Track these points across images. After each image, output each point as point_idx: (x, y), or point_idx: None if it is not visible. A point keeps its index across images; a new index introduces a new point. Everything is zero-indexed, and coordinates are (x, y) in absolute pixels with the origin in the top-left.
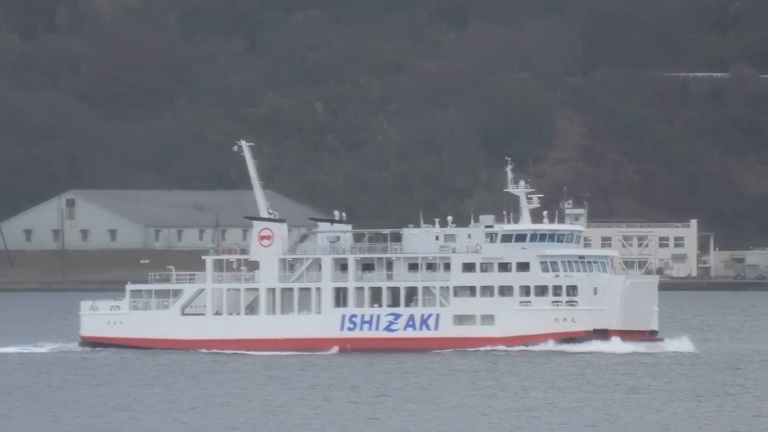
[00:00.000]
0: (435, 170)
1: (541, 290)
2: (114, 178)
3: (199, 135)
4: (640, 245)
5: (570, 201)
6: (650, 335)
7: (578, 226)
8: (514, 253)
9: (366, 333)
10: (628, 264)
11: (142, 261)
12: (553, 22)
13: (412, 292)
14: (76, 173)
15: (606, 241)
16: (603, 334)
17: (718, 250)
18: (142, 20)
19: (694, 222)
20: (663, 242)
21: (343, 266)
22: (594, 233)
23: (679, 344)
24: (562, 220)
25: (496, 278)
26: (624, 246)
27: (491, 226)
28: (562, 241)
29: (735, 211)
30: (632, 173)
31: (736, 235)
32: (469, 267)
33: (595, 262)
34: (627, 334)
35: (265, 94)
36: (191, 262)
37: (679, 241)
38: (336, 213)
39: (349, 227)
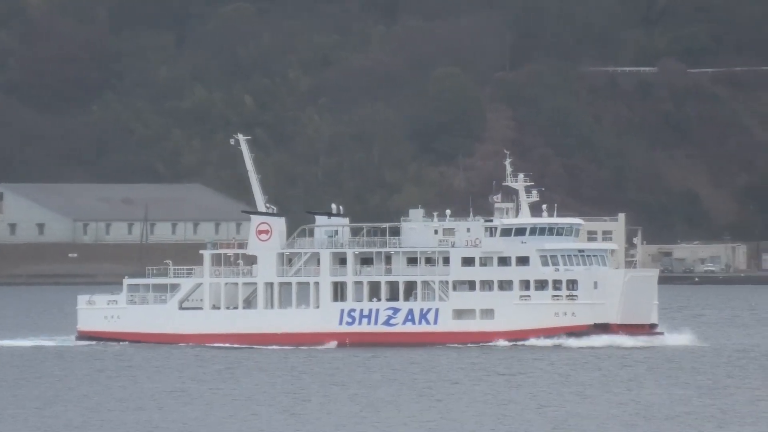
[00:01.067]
0: (364, 164)
1: (541, 284)
2: (43, 171)
3: (128, 129)
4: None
5: (499, 195)
6: (650, 329)
7: (577, 220)
8: (513, 247)
9: (365, 327)
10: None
11: (70, 255)
12: (483, 16)
13: (411, 287)
14: (4, 167)
15: None
16: (603, 328)
17: (645, 244)
18: (71, 14)
19: (621, 216)
20: (591, 236)
21: (341, 260)
22: None
23: (680, 338)
24: (491, 214)
25: (495, 272)
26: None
27: (491, 220)
28: (561, 235)
29: (662, 205)
30: (559, 167)
31: (664, 229)
32: (468, 261)
33: (594, 256)
34: (627, 328)
35: (193, 87)
36: (120, 256)
37: (606, 235)
38: (333, 206)
39: (346, 221)
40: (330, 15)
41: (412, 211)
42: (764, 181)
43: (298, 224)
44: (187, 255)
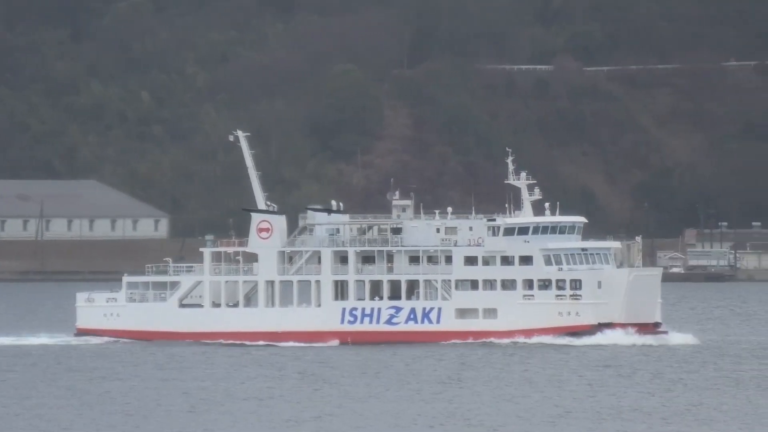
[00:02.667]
0: (262, 161)
1: (545, 284)
2: None
3: (23, 124)
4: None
5: (397, 192)
6: (654, 328)
7: (580, 218)
8: (516, 246)
9: (367, 326)
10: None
11: None
12: (380, 13)
13: (413, 285)
14: None
15: None
16: (607, 327)
17: None
18: None
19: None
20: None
21: (343, 259)
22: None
23: (684, 337)
24: (389, 211)
25: (498, 272)
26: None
27: (493, 219)
28: (564, 233)
29: (562, 202)
30: (457, 165)
31: None
32: (471, 260)
33: (597, 254)
34: (631, 327)
35: (90, 83)
36: (15, 252)
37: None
38: (333, 203)
39: (346, 217)
40: (227, 11)
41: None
42: (658, 179)
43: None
44: (83, 251)
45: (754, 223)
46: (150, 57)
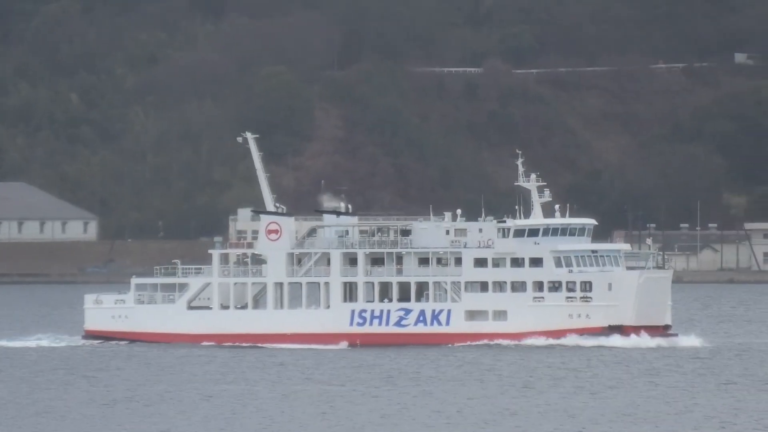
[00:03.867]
0: (192, 162)
1: (555, 286)
2: None
3: None
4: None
5: (328, 193)
6: (664, 330)
7: (590, 220)
8: (526, 248)
9: (376, 328)
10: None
11: None
12: (311, 15)
13: (422, 287)
14: None
15: None
16: (618, 329)
17: None
18: None
19: (448, 215)
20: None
21: (352, 260)
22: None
23: (694, 339)
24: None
25: (508, 273)
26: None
27: (503, 221)
28: (574, 235)
29: (489, 204)
30: (388, 167)
31: None
32: (480, 262)
33: (607, 256)
34: (642, 330)
35: (18, 84)
36: None
37: None
38: (342, 205)
39: (355, 219)
40: (156, 13)
41: (240, 210)
42: (587, 181)
43: None
44: (12, 254)
45: (682, 225)
46: (79, 58)
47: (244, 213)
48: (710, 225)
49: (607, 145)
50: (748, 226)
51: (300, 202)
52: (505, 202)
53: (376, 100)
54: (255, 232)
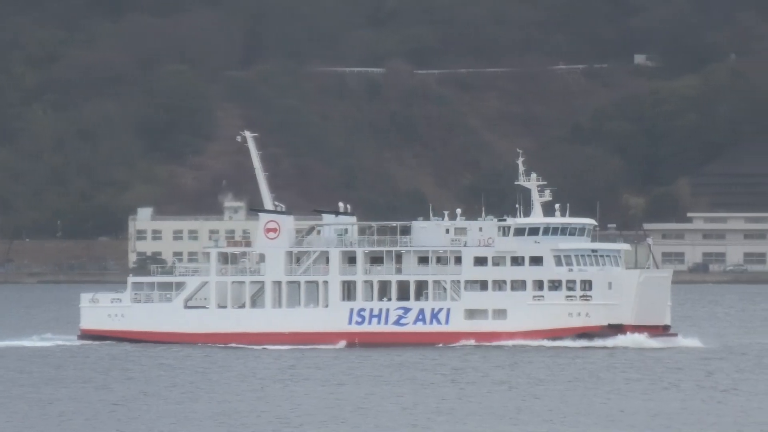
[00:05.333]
0: (91, 162)
1: (555, 285)
2: None
3: None
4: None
5: (230, 193)
6: (664, 330)
7: (590, 220)
8: (527, 246)
9: (375, 327)
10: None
11: None
12: (212, 14)
13: (421, 286)
14: None
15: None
16: (618, 329)
17: None
18: None
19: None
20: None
21: (351, 259)
22: (253, 226)
23: (693, 340)
24: (221, 212)
25: (508, 272)
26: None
27: (504, 220)
28: (574, 235)
29: (390, 205)
30: (290, 167)
31: None
32: (480, 261)
33: (607, 256)
34: (642, 330)
35: None
36: None
37: None
38: (341, 205)
39: (353, 219)
40: (56, 11)
41: (140, 210)
42: (488, 182)
43: None
44: None
45: None
46: None
47: (144, 212)
48: (609, 225)
49: (507, 146)
50: (646, 226)
51: (200, 202)
52: (406, 202)
53: (278, 100)
54: (155, 231)
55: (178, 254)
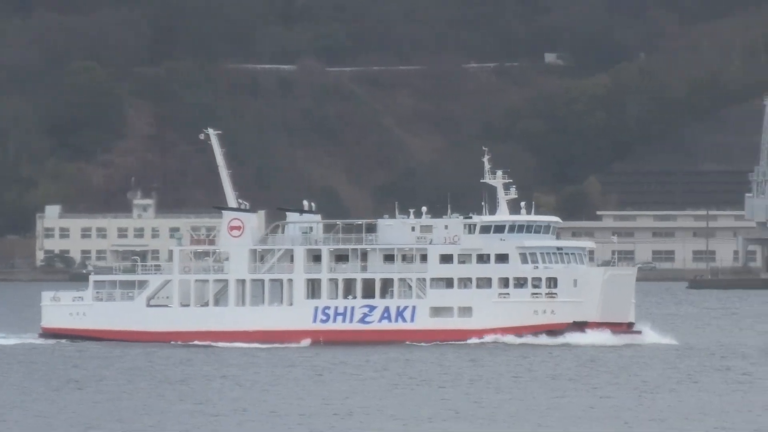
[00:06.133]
0: None
1: (521, 282)
2: None
3: None
4: (208, 236)
5: (139, 191)
6: (628, 327)
7: (555, 218)
8: (492, 244)
9: (339, 325)
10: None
11: None
12: (121, 10)
13: (387, 284)
14: None
15: (174, 232)
16: (582, 326)
17: None
18: None
19: (262, 213)
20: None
21: (316, 257)
22: (162, 224)
23: (658, 337)
24: (130, 210)
25: (474, 270)
26: (172, 236)
27: (470, 217)
28: (539, 233)
29: (303, 201)
30: (200, 164)
31: None
32: (446, 258)
33: (572, 254)
34: (606, 327)
35: None
36: None
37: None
38: (305, 203)
39: (318, 218)
40: None
41: (48, 208)
42: (401, 180)
43: None
44: None
45: None
46: None
47: (52, 210)
48: None
49: (420, 144)
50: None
51: (110, 199)
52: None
53: (189, 97)
54: (63, 229)
55: (86, 252)
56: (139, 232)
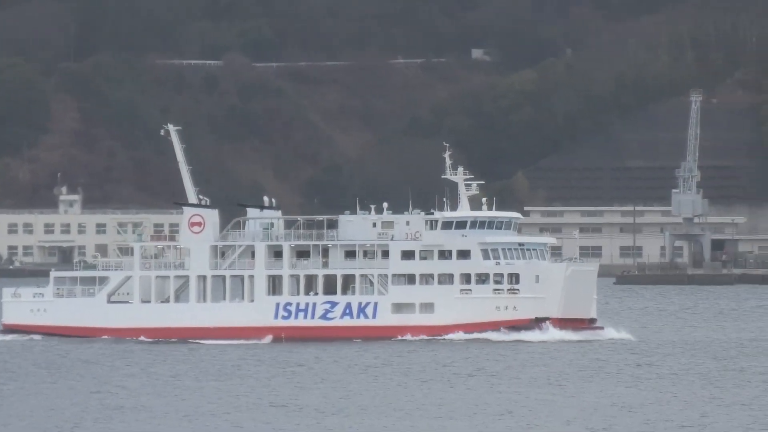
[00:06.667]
0: None
1: (482, 278)
2: None
3: None
4: (134, 231)
5: (65, 187)
6: (590, 323)
7: (516, 213)
8: (454, 240)
9: (301, 321)
10: (123, 250)
11: None
12: (46, 5)
13: (348, 280)
14: None
15: (101, 228)
16: (544, 322)
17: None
18: None
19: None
20: (158, 228)
21: (277, 253)
22: (89, 220)
23: (618, 333)
24: (56, 206)
25: (435, 266)
26: (119, 233)
27: (431, 213)
28: (500, 228)
29: (230, 199)
30: (127, 160)
31: (230, 221)
32: (408, 255)
33: (534, 249)
34: (567, 323)
35: None
36: None
37: (174, 228)
38: (266, 199)
39: (278, 213)
40: None
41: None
42: (328, 175)
43: None
44: None
45: None
46: None
47: None
48: None
49: (346, 139)
50: None
51: (36, 195)
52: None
53: (114, 93)
54: None
55: (12, 248)
56: (66, 228)
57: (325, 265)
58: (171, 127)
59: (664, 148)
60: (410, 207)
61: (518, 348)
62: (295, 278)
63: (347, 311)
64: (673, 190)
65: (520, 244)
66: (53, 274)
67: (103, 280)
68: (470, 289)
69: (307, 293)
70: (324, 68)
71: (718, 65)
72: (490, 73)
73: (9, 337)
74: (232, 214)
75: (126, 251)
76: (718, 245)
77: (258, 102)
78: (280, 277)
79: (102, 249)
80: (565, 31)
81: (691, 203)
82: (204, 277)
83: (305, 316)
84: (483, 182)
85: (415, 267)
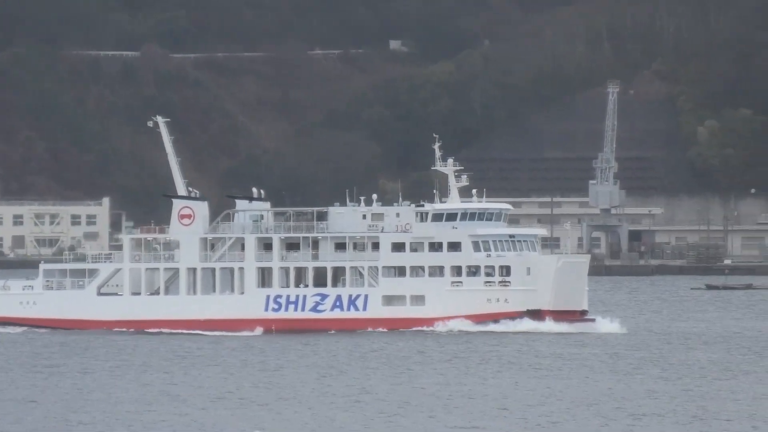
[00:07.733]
0: None
1: (473, 270)
2: None
3: None
4: (52, 223)
5: None
6: (581, 315)
7: (506, 205)
8: (445, 232)
9: (291, 314)
10: (40, 242)
11: None
12: None
13: (338, 272)
14: None
15: (18, 219)
16: (536, 314)
17: (133, 227)
18: None
19: (106, 200)
20: (75, 220)
21: (267, 245)
22: (6, 211)
23: (610, 325)
24: None
25: (426, 258)
26: (36, 224)
27: (422, 205)
28: (491, 220)
29: (146, 189)
30: (44, 151)
31: (148, 213)
32: (398, 247)
33: (524, 241)
34: (559, 315)
35: None
36: None
37: (91, 219)
38: (254, 190)
39: (267, 205)
40: None
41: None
42: (246, 166)
43: None
44: None
45: None
46: None
47: None
48: None
49: (265, 131)
50: None
51: None
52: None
53: (31, 84)
54: None
55: None
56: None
57: (315, 257)
58: (159, 119)
59: (581, 139)
60: (400, 199)
61: (506, 339)
62: (285, 270)
63: (337, 303)
64: (591, 181)
65: (511, 236)
66: (43, 266)
67: (92, 273)
68: (461, 282)
69: (297, 285)
70: (242, 59)
71: (635, 56)
72: (408, 64)
73: None
74: (218, 207)
75: (42, 243)
76: (635, 236)
77: (175, 93)
78: (270, 269)
79: (19, 241)
80: (483, 22)
81: (609, 194)
82: (194, 270)
83: (295, 309)
84: (463, 177)
85: (406, 259)
